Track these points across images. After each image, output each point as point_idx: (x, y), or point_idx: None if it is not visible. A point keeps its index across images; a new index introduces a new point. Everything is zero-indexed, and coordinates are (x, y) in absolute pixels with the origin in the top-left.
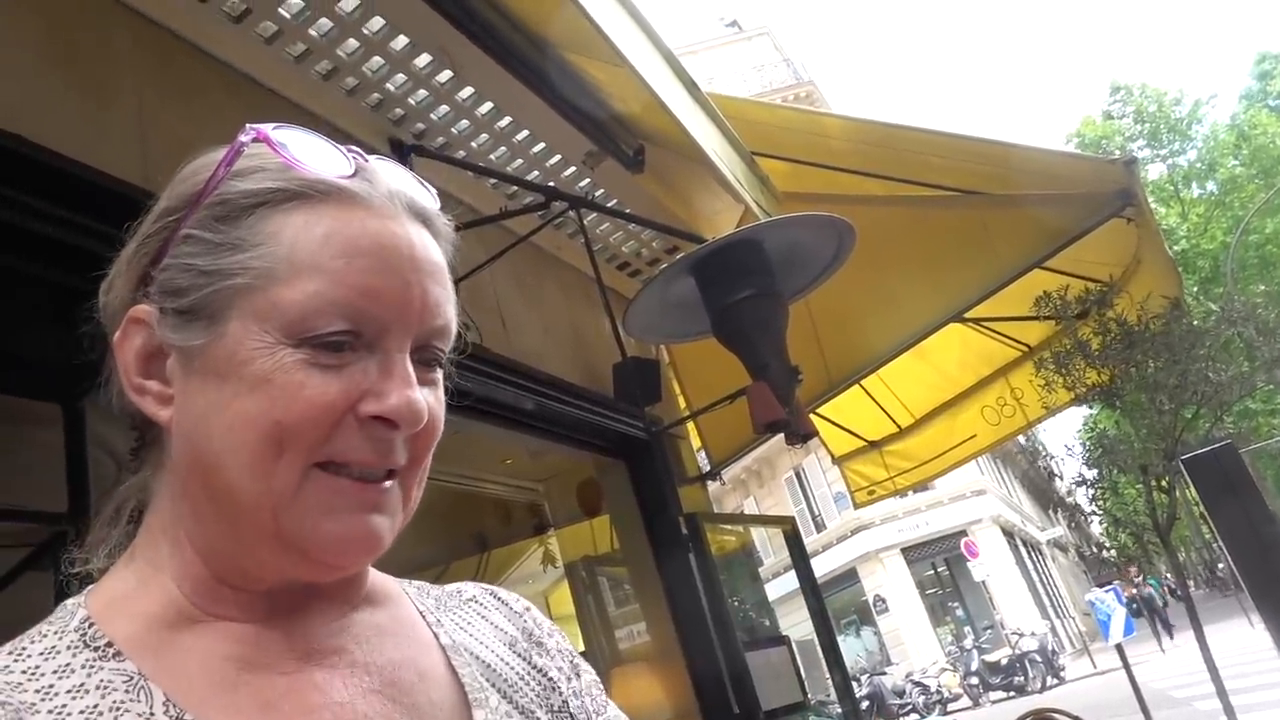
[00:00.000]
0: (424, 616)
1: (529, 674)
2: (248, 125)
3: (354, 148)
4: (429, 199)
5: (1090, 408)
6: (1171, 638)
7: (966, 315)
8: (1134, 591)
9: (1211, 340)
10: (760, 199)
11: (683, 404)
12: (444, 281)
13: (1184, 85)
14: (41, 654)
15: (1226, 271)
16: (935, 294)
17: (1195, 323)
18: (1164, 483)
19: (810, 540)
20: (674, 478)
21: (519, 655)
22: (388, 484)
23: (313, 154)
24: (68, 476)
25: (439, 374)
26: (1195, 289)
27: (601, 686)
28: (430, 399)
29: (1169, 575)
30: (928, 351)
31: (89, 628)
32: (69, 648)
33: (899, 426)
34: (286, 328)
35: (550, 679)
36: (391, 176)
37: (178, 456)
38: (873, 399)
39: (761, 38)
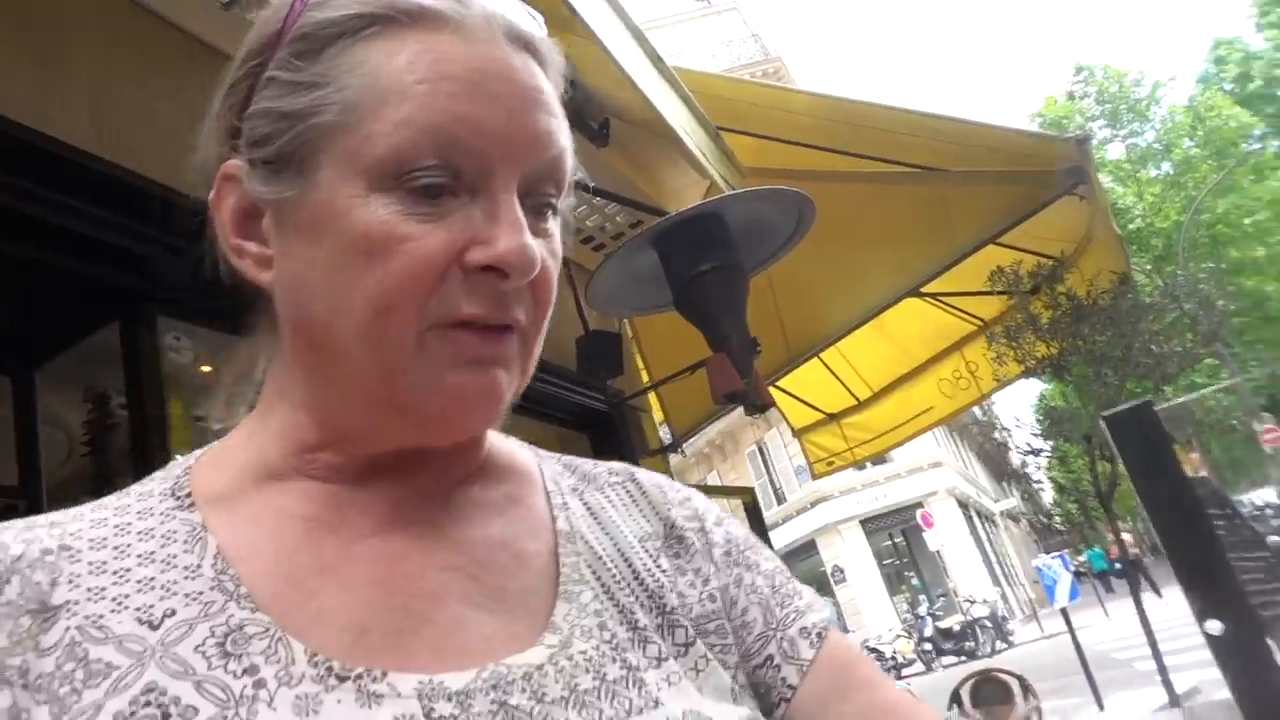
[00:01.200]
0: (550, 498)
1: (649, 571)
2: None
3: None
4: (534, 25)
5: (1043, 380)
6: (1160, 594)
7: (924, 290)
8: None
9: (1155, 315)
10: (726, 174)
11: (645, 378)
12: (554, 110)
13: (1144, 67)
14: (139, 496)
15: (1179, 250)
16: (894, 268)
17: (1143, 298)
18: (1106, 452)
19: (771, 513)
20: (636, 450)
21: (646, 550)
22: (508, 336)
23: None
24: (18, 450)
25: (553, 224)
26: (1149, 267)
27: (789, 575)
28: (544, 251)
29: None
30: (886, 326)
31: (183, 476)
32: (160, 494)
33: (857, 399)
34: (379, 169)
35: (664, 579)
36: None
37: (284, 320)
38: (832, 372)
39: (730, 13)
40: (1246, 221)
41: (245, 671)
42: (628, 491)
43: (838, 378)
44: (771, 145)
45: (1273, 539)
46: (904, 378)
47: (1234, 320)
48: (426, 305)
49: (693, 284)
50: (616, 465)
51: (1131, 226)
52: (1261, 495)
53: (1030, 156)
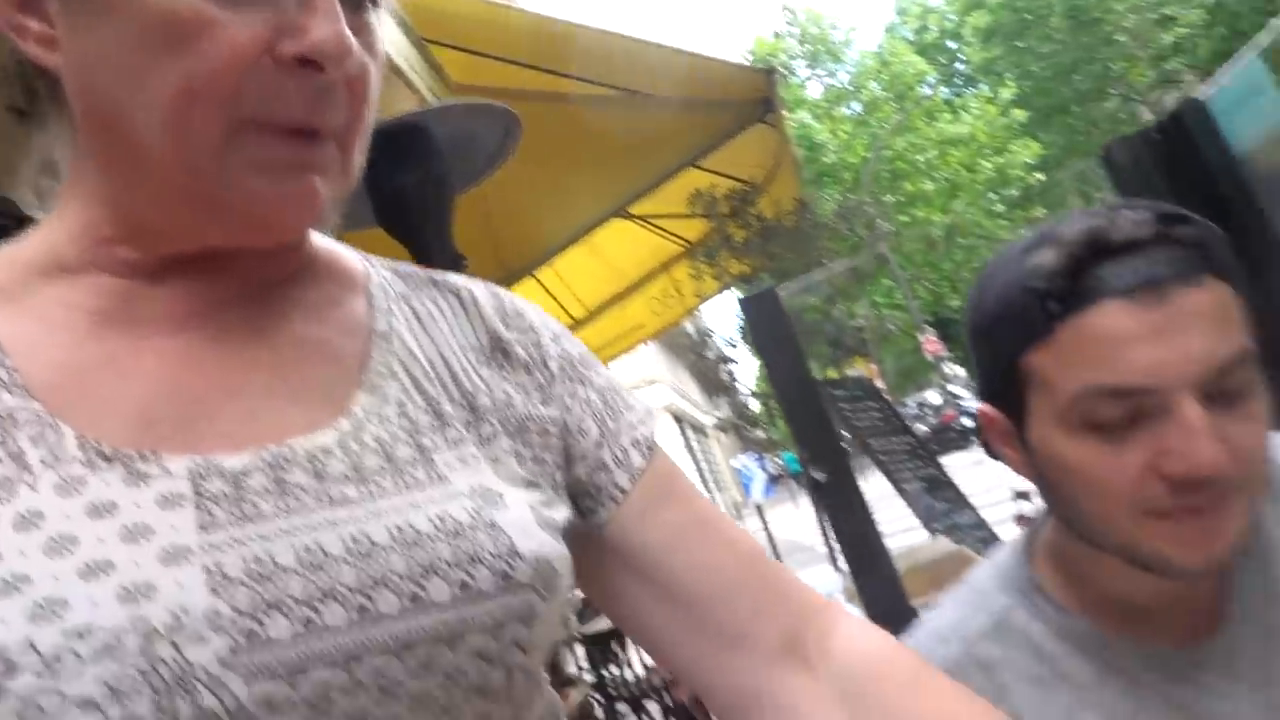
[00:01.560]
0: (373, 301)
1: (465, 374)
2: None
3: None
4: None
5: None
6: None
7: (634, 212)
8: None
9: (829, 234)
10: (433, 87)
11: None
12: None
13: (841, 11)
14: None
15: (864, 183)
16: (602, 189)
17: (821, 220)
18: None
19: None
20: None
21: (468, 359)
22: (323, 141)
23: None
24: None
25: (371, 17)
26: (840, 197)
27: (621, 390)
28: (361, 46)
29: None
30: (599, 247)
31: None
32: None
33: (574, 318)
34: None
35: (480, 384)
36: None
37: (75, 108)
38: (549, 292)
39: None
40: (919, 159)
41: (10, 456)
42: (460, 300)
43: (554, 298)
44: (482, 62)
45: (921, 428)
46: (617, 296)
47: (906, 246)
48: (235, 99)
49: (395, 198)
50: (455, 276)
51: (826, 160)
52: (927, 396)
53: (726, 85)
